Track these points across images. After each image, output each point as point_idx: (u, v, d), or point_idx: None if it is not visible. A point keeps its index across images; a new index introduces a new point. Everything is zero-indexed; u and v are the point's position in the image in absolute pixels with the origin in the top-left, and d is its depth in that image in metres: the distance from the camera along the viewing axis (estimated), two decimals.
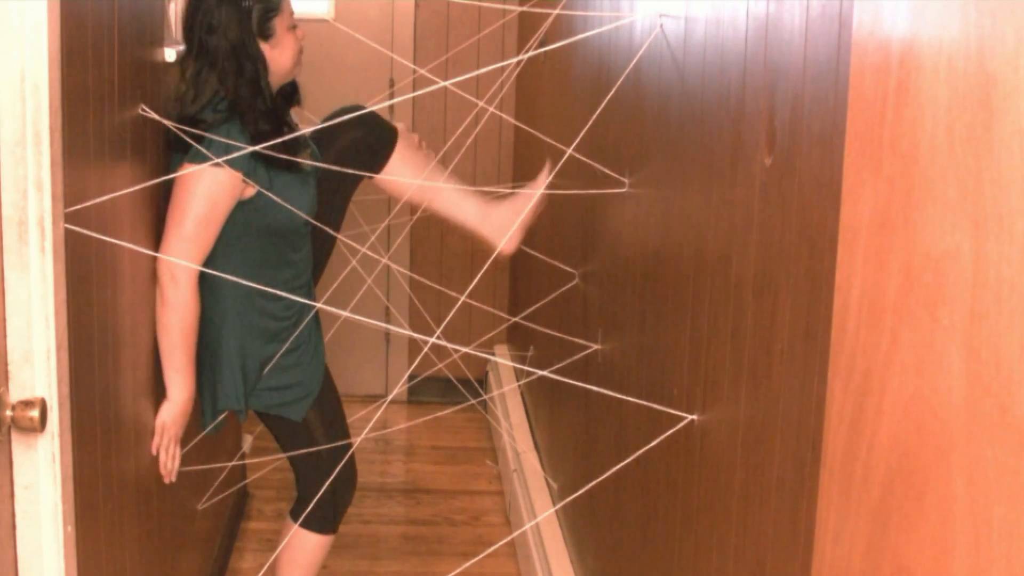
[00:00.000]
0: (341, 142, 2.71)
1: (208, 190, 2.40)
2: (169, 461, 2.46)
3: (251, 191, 2.48)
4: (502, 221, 2.76)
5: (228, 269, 2.49)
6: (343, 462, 2.72)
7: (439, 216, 2.85)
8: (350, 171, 2.68)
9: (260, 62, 2.54)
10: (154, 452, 2.43)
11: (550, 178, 2.71)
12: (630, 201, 2.32)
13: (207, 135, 2.41)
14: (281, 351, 2.62)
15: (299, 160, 2.54)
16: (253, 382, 2.61)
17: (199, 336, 2.51)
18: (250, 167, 2.46)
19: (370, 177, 2.77)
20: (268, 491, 3.86)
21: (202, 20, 2.51)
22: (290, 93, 2.70)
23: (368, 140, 2.72)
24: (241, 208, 2.49)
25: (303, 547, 2.77)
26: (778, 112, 1.38)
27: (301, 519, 2.73)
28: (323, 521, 2.76)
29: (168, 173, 2.40)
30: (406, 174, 2.75)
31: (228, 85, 2.50)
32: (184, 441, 2.58)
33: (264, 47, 2.55)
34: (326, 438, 2.71)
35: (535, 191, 2.75)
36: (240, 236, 2.52)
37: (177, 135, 2.40)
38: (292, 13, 2.64)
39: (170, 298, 2.39)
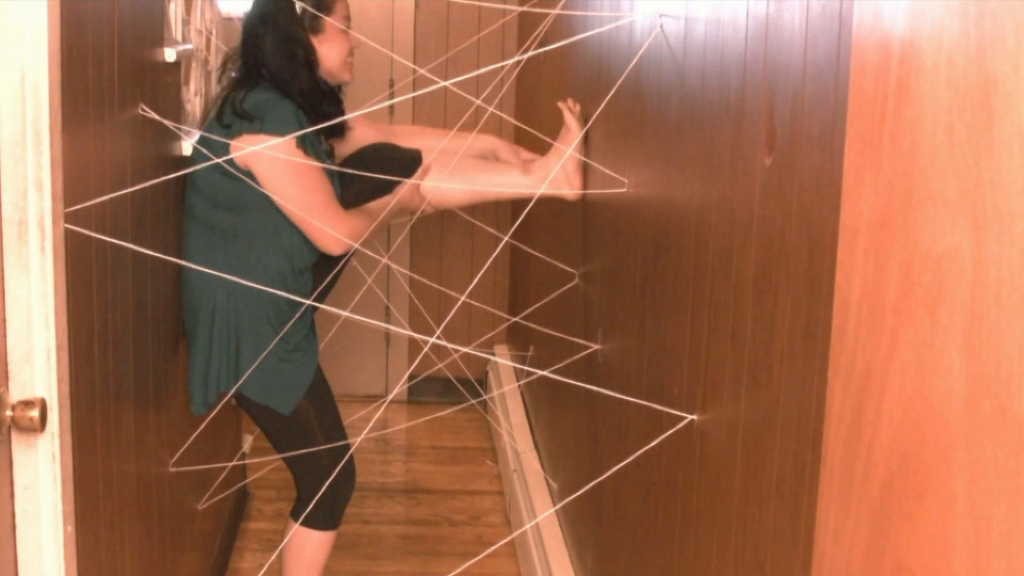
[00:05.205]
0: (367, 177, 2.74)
1: (294, 158, 2.50)
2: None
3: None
4: (554, 172, 2.76)
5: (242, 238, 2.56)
6: (342, 458, 2.72)
7: (493, 201, 2.90)
8: (388, 177, 2.74)
9: (310, 51, 2.64)
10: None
11: (586, 129, 2.71)
12: (630, 201, 2.32)
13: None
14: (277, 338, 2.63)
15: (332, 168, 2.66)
16: (245, 367, 2.61)
17: (200, 316, 2.53)
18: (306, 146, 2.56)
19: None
20: (268, 491, 3.86)
21: (253, 14, 2.64)
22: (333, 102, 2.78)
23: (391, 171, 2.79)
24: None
25: (306, 546, 2.76)
26: (778, 112, 1.38)
27: (302, 518, 2.72)
28: (324, 519, 2.75)
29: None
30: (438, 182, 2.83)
31: (284, 74, 2.59)
32: (183, 439, 2.58)
33: (313, 40, 2.65)
34: (322, 433, 2.71)
35: (574, 137, 2.74)
36: (262, 207, 2.56)
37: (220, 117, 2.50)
38: (347, 18, 2.73)
39: (351, 239, 2.58)
